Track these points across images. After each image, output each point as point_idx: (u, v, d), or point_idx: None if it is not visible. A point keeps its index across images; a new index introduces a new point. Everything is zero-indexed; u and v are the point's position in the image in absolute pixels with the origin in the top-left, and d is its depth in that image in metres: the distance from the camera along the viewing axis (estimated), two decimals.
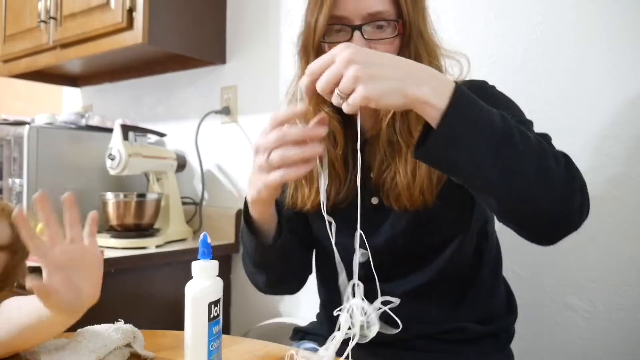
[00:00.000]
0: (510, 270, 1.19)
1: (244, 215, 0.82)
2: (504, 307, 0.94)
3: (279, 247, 0.82)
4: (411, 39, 0.80)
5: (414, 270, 0.86)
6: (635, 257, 1.09)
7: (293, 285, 0.97)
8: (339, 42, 0.73)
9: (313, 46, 0.79)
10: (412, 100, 0.60)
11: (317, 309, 1.03)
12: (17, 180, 1.62)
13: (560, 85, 1.17)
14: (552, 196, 0.65)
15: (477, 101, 0.64)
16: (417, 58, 0.78)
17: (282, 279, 0.92)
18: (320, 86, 0.61)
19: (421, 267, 0.86)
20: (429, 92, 0.60)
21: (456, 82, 0.63)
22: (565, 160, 0.68)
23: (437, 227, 0.85)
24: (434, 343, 0.86)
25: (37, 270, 1.29)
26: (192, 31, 1.72)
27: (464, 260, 0.87)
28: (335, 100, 0.61)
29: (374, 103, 0.59)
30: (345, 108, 0.61)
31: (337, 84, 0.60)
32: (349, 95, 0.60)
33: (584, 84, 1.14)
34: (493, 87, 0.86)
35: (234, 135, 1.80)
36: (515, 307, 0.96)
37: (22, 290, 0.74)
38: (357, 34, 0.77)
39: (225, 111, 1.80)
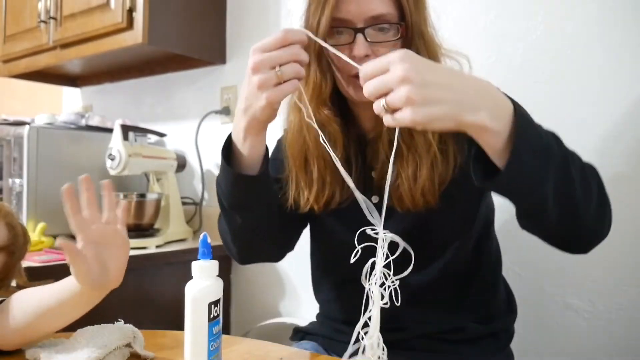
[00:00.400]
0: (510, 270, 1.19)
1: (224, 152, 0.78)
2: (504, 307, 0.94)
3: (263, 179, 0.78)
4: (413, 40, 0.79)
5: (416, 270, 0.86)
6: (635, 257, 1.09)
7: (270, 248, 0.91)
8: (340, 46, 0.72)
9: (314, 49, 0.79)
10: (466, 125, 0.58)
11: (317, 309, 1.03)
12: (17, 180, 1.62)
13: (560, 86, 1.17)
14: (592, 216, 0.67)
15: (532, 121, 0.63)
16: None
17: (259, 228, 0.84)
18: (367, 91, 0.59)
19: (422, 267, 0.85)
20: (486, 117, 0.58)
21: (511, 99, 0.62)
22: (597, 175, 0.70)
23: (439, 228, 0.84)
24: (434, 343, 0.86)
25: (34, 271, 1.29)
26: (192, 31, 1.72)
27: (465, 260, 0.87)
28: (377, 108, 0.59)
29: (420, 126, 0.57)
30: (387, 120, 0.58)
31: (385, 94, 0.57)
32: (394, 110, 0.57)
33: (584, 84, 1.14)
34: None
35: None
36: (515, 307, 0.96)
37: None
38: (359, 37, 0.75)
39: (225, 111, 1.80)
